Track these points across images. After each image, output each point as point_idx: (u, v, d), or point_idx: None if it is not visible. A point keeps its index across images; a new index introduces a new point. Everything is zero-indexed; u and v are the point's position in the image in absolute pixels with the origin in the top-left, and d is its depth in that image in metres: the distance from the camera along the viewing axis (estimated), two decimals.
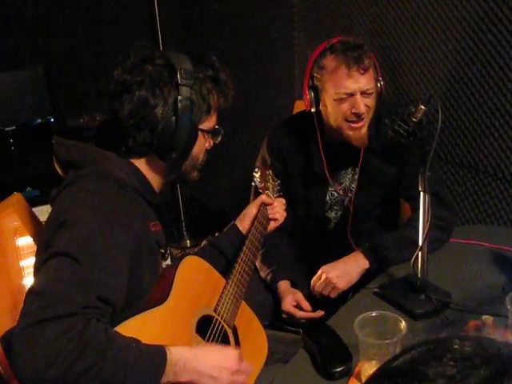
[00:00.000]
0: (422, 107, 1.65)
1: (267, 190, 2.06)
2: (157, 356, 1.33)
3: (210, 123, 1.66)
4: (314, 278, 2.10)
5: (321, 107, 2.09)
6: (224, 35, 3.74)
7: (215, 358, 1.45)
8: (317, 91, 2.07)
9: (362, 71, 1.98)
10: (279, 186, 2.11)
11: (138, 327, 1.41)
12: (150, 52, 1.60)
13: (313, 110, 2.08)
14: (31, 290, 1.30)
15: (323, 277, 2.06)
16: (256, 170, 2.12)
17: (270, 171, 2.12)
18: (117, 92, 1.56)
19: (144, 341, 1.35)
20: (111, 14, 3.97)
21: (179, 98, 1.53)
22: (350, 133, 2.06)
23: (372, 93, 2.02)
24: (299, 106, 2.59)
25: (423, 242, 1.76)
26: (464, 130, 2.54)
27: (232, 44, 3.67)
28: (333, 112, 2.05)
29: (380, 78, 2.06)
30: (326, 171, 2.19)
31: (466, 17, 2.39)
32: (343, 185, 2.25)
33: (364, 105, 2.00)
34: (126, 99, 1.54)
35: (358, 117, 2.02)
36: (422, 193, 1.73)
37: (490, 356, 0.63)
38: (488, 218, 2.56)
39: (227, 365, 1.46)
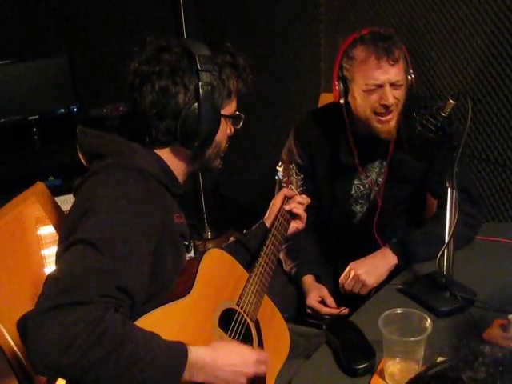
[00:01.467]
0: (452, 102, 1.62)
1: (290, 184, 2.04)
2: (177, 354, 1.32)
3: (230, 108, 1.65)
4: (342, 276, 2.07)
5: (349, 98, 2.07)
6: (249, 28, 3.72)
7: (234, 362, 1.43)
8: (346, 82, 2.05)
9: (391, 62, 1.96)
10: (302, 180, 2.10)
11: (161, 319, 1.41)
12: (165, 41, 1.59)
13: (341, 101, 2.07)
14: (51, 276, 1.30)
15: (352, 274, 2.04)
16: (279, 163, 2.11)
17: (294, 165, 2.11)
18: (136, 84, 1.56)
19: (166, 333, 1.34)
20: (136, 4, 3.96)
21: (200, 83, 1.53)
22: (379, 125, 2.04)
23: (401, 85, 2.00)
24: (325, 99, 2.57)
25: (449, 239, 1.73)
26: (492, 125, 2.51)
27: (257, 38, 3.65)
28: (361, 103, 2.03)
29: (411, 71, 2.03)
30: (357, 163, 2.16)
31: (496, 11, 2.36)
32: (369, 178, 2.23)
33: (393, 97, 1.98)
34: (147, 90, 1.54)
35: (387, 109, 2.00)
36: (449, 189, 1.70)
37: None
38: None
39: (245, 370, 1.44)
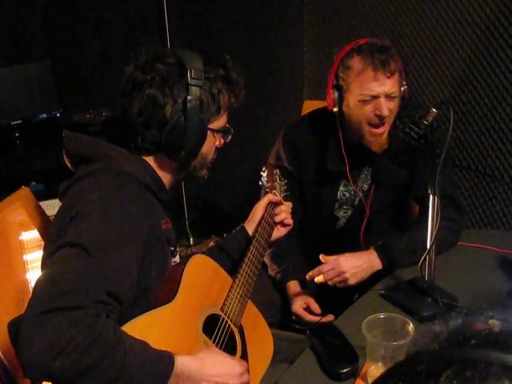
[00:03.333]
0: (434, 110, 1.65)
1: (274, 189, 2.05)
2: (164, 363, 1.33)
3: (220, 122, 1.65)
4: (325, 266, 2.02)
5: (344, 107, 2.08)
6: (232, 35, 3.72)
7: (219, 373, 1.44)
8: (341, 91, 2.06)
9: (388, 74, 1.97)
10: (286, 185, 2.10)
11: (146, 325, 1.41)
12: (161, 50, 1.60)
13: (335, 109, 2.08)
14: (42, 279, 1.29)
15: (336, 267, 2.01)
16: (263, 169, 2.11)
17: (278, 170, 2.12)
18: (127, 89, 1.56)
19: (151, 339, 1.34)
20: (120, 10, 3.96)
21: (188, 97, 1.53)
22: (371, 138, 2.06)
23: (396, 97, 2.02)
24: (308, 106, 2.58)
25: (431, 245, 1.75)
26: (472, 133, 2.54)
27: (240, 44, 3.66)
28: (355, 113, 2.05)
29: (404, 83, 2.05)
30: (348, 170, 2.17)
31: (476, 21, 2.39)
32: (356, 184, 2.24)
33: (387, 108, 2.00)
34: (136, 97, 1.54)
35: (381, 119, 2.01)
36: (431, 196, 1.72)
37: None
38: (495, 222, 2.56)
39: (230, 381, 1.45)
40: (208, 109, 1.59)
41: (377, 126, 2.04)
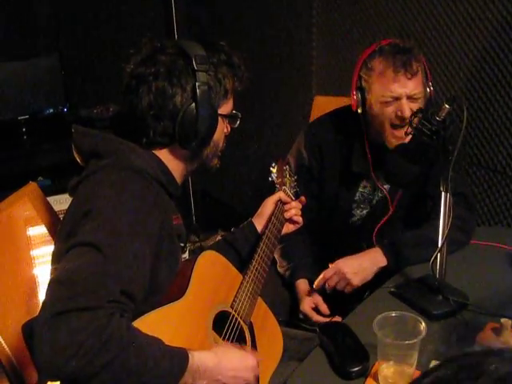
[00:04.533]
0: (447, 106, 1.63)
1: (284, 185, 2.04)
2: (178, 360, 1.32)
3: (227, 107, 1.66)
4: (327, 271, 2.04)
5: (367, 108, 2.08)
6: (241, 31, 3.71)
7: (235, 367, 1.45)
8: (363, 92, 2.06)
9: (409, 76, 1.97)
10: (296, 181, 2.09)
11: (156, 322, 1.40)
12: (160, 43, 1.60)
13: (359, 110, 2.08)
14: (56, 279, 1.28)
15: (337, 271, 2.03)
16: (273, 165, 2.10)
17: (288, 166, 2.11)
18: (132, 86, 1.56)
19: (162, 336, 1.33)
20: (127, 5, 3.95)
21: (197, 84, 1.52)
22: (393, 140, 2.06)
23: (419, 98, 2.00)
24: (319, 102, 2.57)
25: (442, 243, 1.74)
26: (483, 130, 2.52)
27: (250, 40, 3.65)
28: (378, 114, 2.05)
29: (430, 83, 2.04)
30: (372, 171, 2.17)
31: (489, 16, 2.37)
32: (384, 185, 2.22)
33: (410, 109, 1.97)
34: (144, 92, 1.54)
35: (403, 120, 2.00)
36: (443, 193, 1.71)
37: None
38: (506, 220, 2.54)
39: (246, 375, 1.47)
40: (216, 93, 1.59)
41: (399, 128, 2.02)
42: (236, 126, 1.72)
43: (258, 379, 1.55)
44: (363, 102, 2.07)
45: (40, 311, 1.24)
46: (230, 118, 1.68)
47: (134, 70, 1.56)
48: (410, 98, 1.99)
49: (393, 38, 2.07)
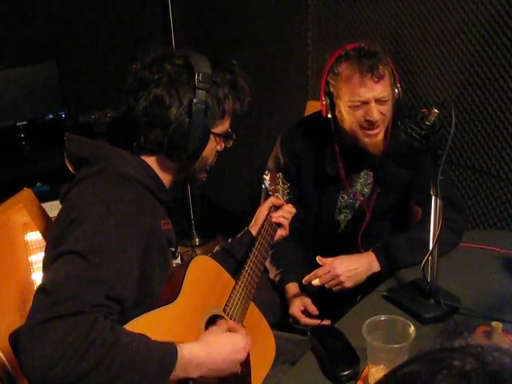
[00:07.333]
0: (436, 111, 1.64)
1: (277, 192, 2.05)
2: (166, 354, 1.33)
3: (223, 127, 1.66)
4: (320, 270, 2.02)
5: (336, 113, 2.08)
6: (237, 37, 3.71)
7: (227, 351, 1.47)
8: (332, 97, 2.07)
9: (376, 79, 1.97)
10: (289, 189, 2.11)
11: (148, 325, 1.41)
12: (170, 50, 1.61)
13: (329, 115, 2.08)
14: (40, 288, 1.30)
15: (332, 271, 2.01)
16: (266, 172, 2.11)
17: (281, 174, 2.12)
18: (134, 87, 1.56)
19: (153, 338, 1.34)
20: (125, 11, 3.97)
21: (194, 100, 1.53)
22: (366, 139, 2.06)
23: (387, 100, 2.01)
24: (312, 107, 2.58)
25: (433, 247, 1.75)
26: (476, 133, 2.53)
27: (245, 46, 3.66)
28: (347, 118, 2.05)
29: (398, 85, 2.05)
30: (342, 174, 2.18)
31: (480, 20, 2.38)
32: (354, 188, 2.24)
33: (379, 112, 1.99)
34: (142, 96, 1.54)
35: (372, 124, 2.01)
36: (433, 197, 1.71)
37: (490, 375, 0.62)
38: (499, 223, 2.55)
39: (238, 357, 1.50)
40: (213, 113, 1.59)
41: (370, 129, 2.04)
42: (230, 145, 1.72)
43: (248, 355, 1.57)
44: (332, 106, 2.08)
45: (26, 320, 1.25)
46: (223, 137, 1.69)
47: (139, 71, 1.57)
48: (378, 101, 1.99)
49: (358, 42, 2.06)
